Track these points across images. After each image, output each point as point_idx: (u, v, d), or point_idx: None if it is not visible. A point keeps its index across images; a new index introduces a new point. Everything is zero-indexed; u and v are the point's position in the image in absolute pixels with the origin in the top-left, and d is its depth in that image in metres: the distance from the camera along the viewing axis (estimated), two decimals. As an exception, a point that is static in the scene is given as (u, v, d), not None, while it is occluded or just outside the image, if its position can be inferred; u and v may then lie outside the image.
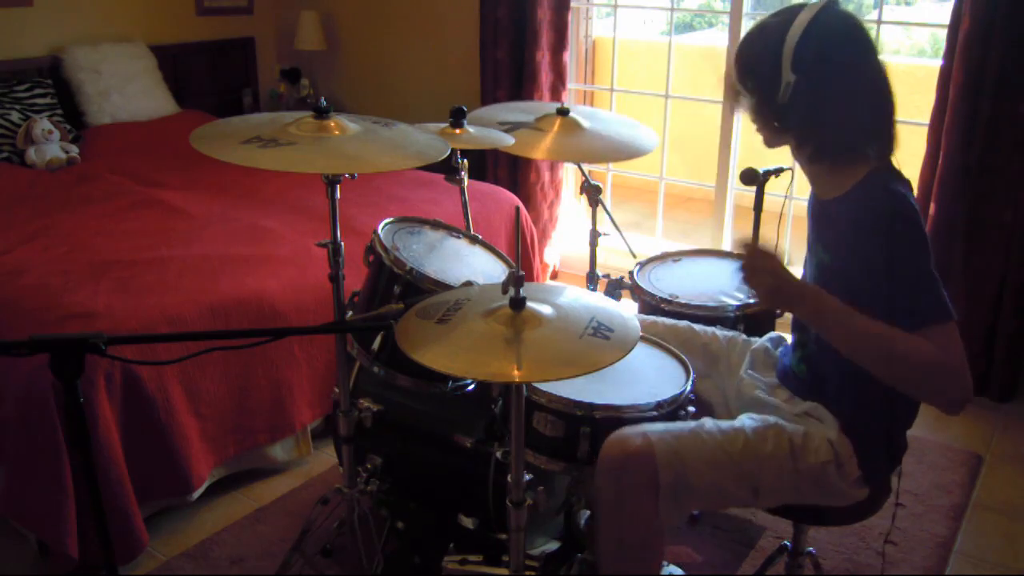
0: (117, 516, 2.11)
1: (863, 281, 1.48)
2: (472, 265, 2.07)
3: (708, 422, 1.63)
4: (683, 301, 2.15)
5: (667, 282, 2.28)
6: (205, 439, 2.40)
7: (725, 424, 1.63)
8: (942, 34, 3.04)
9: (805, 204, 1.73)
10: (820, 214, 1.63)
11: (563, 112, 2.18)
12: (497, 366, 1.29)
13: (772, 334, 1.92)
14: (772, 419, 1.65)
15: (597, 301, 1.51)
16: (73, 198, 3.20)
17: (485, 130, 2.09)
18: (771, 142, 1.63)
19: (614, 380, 1.78)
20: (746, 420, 1.66)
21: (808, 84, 1.48)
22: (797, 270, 1.66)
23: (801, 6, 1.51)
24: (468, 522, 1.98)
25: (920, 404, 1.61)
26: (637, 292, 2.25)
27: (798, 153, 1.61)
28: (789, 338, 1.81)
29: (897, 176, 1.53)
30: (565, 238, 4.27)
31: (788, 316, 1.75)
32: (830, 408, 1.62)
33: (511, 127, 2.15)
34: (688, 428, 1.61)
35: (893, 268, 1.43)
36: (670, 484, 1.53)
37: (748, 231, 1.89)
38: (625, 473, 1.54)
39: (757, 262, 1.48)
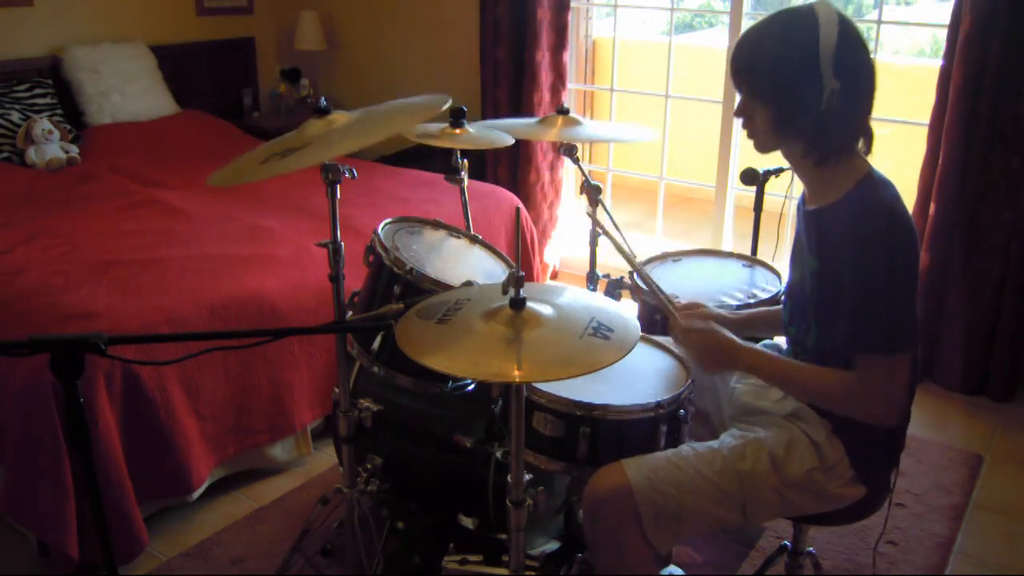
0: (117, 516, 2.12)
1: (856, 290, 1.48)
2: (472, 265, 2.07)
3: (685, 448, 1.64)
4: (683, 301, 2.14)
5: (667, 282, 2.28)
6: (205, 439, 2.40)
7: (702, 446, 1.63)
8: (942, 34, 3.04)
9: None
10: (811, 221, 1.61)
11: (563, 112, 2.18)
12: (497, 366, 1.29)
13: (767, 341, 1.92)
14: (752, 434, 1.65)
15: (597, 301, 1.51)
16: (73, 198, 3.20)
17: (485, 130, 2.10)
18: (768, 147, 1.61)
19: (614, 380, 1.78)
20: (725, 438, 1.66)
21: (846, 89, 1.47)
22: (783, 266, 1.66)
23: (804, 8, 1.48)
24: (468, 522, 1.98)
25: (912, 401, 1.62)
26: (637, 292, 2.24)
27: (800, 159, 1.58)
28: (784, 345, 1.81)
29: (884, 184, 1.53)
30: (565, 238, 4.27)
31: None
32: (819, 410, 1.62)
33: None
34: (665, 457, 1.60)
35: (889, 289, 1.44)
36: (652, 517, 1.54)
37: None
38: (608, 511, 1.55)
39: (691, 329, 1.67)
